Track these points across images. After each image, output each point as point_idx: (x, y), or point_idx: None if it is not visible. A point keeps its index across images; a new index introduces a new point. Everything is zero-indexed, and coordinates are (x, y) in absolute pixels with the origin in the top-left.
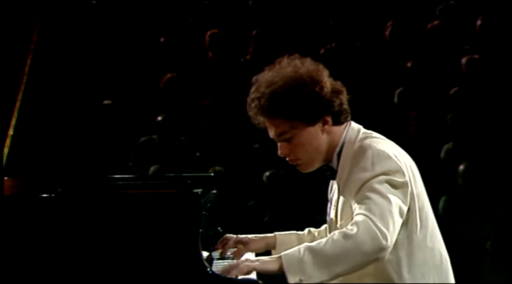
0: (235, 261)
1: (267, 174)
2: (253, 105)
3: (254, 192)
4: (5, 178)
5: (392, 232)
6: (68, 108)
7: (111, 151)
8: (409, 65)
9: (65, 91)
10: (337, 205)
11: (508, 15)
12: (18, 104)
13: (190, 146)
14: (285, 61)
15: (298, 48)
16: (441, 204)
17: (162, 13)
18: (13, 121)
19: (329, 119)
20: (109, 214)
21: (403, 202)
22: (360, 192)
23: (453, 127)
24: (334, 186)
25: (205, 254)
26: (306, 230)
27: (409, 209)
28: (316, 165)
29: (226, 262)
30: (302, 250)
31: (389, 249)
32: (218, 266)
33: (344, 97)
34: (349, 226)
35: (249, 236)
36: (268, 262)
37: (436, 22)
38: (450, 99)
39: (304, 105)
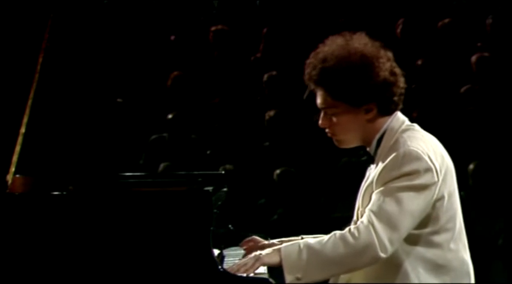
0: (243, 259)
1: (278, 171)
2: (306, 71)
3: (265, 190)
4: (17, 176)
5: (394, 242)
6: (78, 107)
7: (122, 149)
8: (419, 62)
9: (76, 90)
10: (362, 191)
11: None
12: (30, 102)
13: (200, 144)
14: (349, 38)
15: (308, 46)
16: None
17: (172, 12)
18: (25, 119)
19: (374, 107)
20: (120, 212)
21: (423, 205)
22: (380, 190)
23: (462, 124)
24: (367, 173)
25: (216, 252)
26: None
27: (434, 209)
28: (352, 145)
29: (237, 260)
30: (302, 246)
31: (386, 256)
32: (229, 264)
33: (398, 88)
34: (352, 229)
35: (276, 240)
36: (270, 255)
37: (446, 20)
38: (461, 97)
39: (350, 89)
